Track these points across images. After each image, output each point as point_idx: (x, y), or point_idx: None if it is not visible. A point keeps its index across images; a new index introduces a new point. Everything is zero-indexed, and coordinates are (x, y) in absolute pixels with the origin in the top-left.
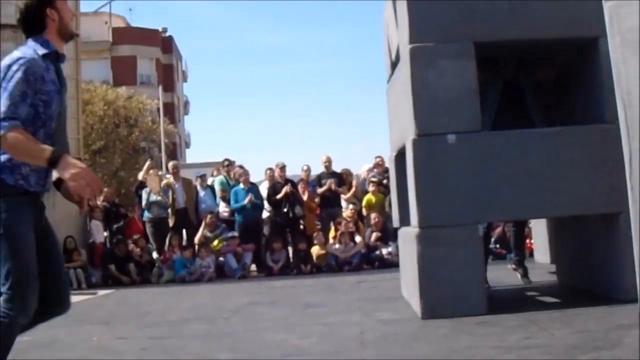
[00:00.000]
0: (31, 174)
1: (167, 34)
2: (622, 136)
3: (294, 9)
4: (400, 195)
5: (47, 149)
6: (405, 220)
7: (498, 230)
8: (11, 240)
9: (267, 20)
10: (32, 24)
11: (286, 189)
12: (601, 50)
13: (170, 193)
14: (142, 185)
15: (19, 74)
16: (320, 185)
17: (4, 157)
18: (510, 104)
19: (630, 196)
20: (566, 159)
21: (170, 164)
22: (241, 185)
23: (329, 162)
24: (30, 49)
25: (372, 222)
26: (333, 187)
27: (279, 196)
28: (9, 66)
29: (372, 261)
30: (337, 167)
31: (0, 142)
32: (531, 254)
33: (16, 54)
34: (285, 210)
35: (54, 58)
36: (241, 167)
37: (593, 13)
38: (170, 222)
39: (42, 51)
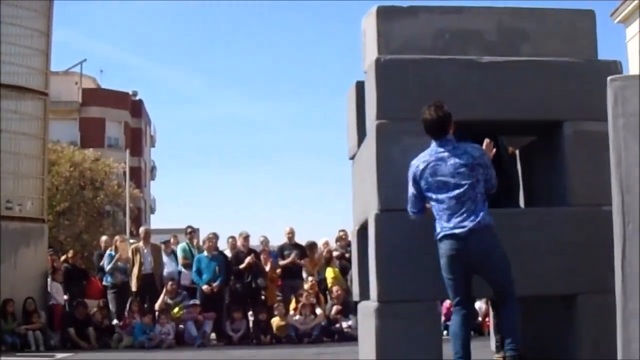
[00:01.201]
0: None
1: (137, 98)
2: (615, 220)
3: (263, 81)
4: (361, 268)
5: None
6: (365, 294)
7: None
8: None
9: (236, 91)
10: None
11: (249, 259)
12: (565, 134)
13: (138, 257)
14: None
15: None
16: (283, 256)
17: None
18: None
19: (620, 280)
20: (527, 239)
21: (142, 228)
22: (205, 253)
23: (292, 233)
24: None
25: (334, 295)
26: (296, 260)
27: (242, 266)
28: None
29: (332, 334)
30: (301, 239)
31: None
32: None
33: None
34: (248, 280)
35: None
36: (214, 234)
37: (559, 96)
38: (134, 287)
39: None
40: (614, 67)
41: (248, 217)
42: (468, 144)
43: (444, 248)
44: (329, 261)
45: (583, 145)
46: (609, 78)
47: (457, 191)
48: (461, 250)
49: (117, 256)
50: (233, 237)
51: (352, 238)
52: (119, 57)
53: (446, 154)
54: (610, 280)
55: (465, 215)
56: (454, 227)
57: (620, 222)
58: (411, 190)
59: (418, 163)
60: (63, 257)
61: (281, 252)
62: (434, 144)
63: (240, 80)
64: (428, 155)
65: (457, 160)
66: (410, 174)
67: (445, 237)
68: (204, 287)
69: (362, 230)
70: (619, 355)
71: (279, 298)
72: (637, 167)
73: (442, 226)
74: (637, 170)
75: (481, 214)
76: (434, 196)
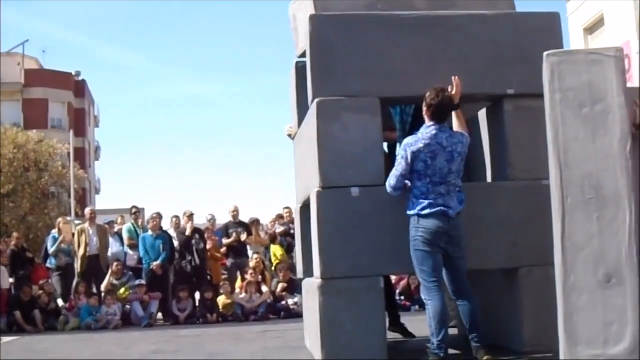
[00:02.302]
0: None
1: (80, 78)
2: (554, 195)
3: (207, 59)
4: (305, 246)
5: None
6: (309, 271)
7: (403, 282)
8: None
9: (181, 70)
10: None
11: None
12: (506, 110)
13: (83, 238)
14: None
15: None
16: (228, 235)
17: None
18: None
19: (560, 254)
20: (470, 214)
21: (87, 209)
22: (150, 233)
23: (236, 211)
24: None
25: (279, 272)
26: (242, 238)
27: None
28: None
29: (278, 311)
30: (246, 217)
31: None
32: None
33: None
34: (189, 259)
35: None
36: (158, 214)
37: (500, 72)
38: (79, 269)
39: None
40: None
41: (195, 197)
42: (458, 132)
43: (431, 224)
44: (274, 239)
45: (524, 118)
46: (545, 53)
47: (450, 177)
48: (447, 229)
49: (60, 238)
50: (177, 217)
51: (296, 216)
52: (61, 37)
53: (445, 140)
54: (552, 254)
55: (453, 199)
56: (445, 207)
57: (559, 196)
58: (402, 168)
59: (416, 143)
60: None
61: (226, 230)
62: (432, 128)
63: (184, 58)
64: (429, 139)
65: (454, 148)
66: (406, 153)
67: (434, 215)
68: (155, 264)
69: (305, 208)
70: (560, 327)
71: (224, 277)
72: (575, 142)
73: (432, 204)
74: (575, 145)
75: (462, 200)
76: (428, 179)
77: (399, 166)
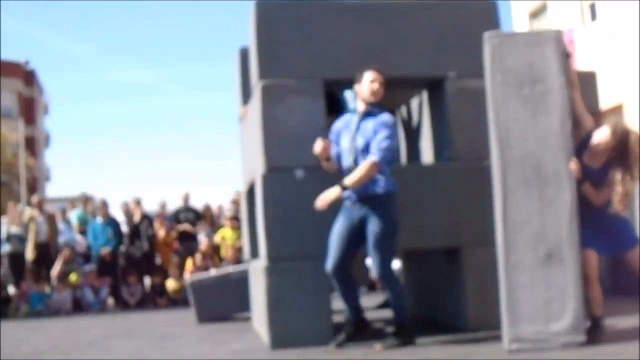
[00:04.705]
0: None
1: (30, 66)
2: (495, 175)
3: (154, 45)
4: (251, 229)
5: None
6: (255, 254)
7: None
8: None
9: (129, 57)
10: None
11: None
12: (447, 91)
13: (32, 226)
14: None
15: None
16: (178, 220)
17: None
18: None
19: (502, 233)
20: (412, 194)
21: (35, 197)
22: (99, 219)
23: (187, 197)
24: None
25: (228, 256)
26: (189, 228)
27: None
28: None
29: None
30: (200, 203)
31: None
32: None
33: None
34: (138, 244)
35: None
36: (102, 201)
37: (441, 56)
38: (30, 256)
39: None
40: (491, 8)
41: (146, 183)
42: None
43: (395, 204)
44: (223, 223)
45: (465, 100)
46: (486, 35)
47: None
48: None
49: (7, 219)
50: (126, 203)
51: (242, 199)
52: (9, 26)
53: None
54: (493, 233)
55: None
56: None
57: (500, 176)
58: (395, 144)
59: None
60: None
61: (176, 215)
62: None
63: (132, 45)
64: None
65: None
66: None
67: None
68: (104, 251)
69: (251, 191)
70: (502, 305)
71: (174, 260)
72: (515, 122)
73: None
74: (515, 126)
75: None
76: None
77: (394, 142)
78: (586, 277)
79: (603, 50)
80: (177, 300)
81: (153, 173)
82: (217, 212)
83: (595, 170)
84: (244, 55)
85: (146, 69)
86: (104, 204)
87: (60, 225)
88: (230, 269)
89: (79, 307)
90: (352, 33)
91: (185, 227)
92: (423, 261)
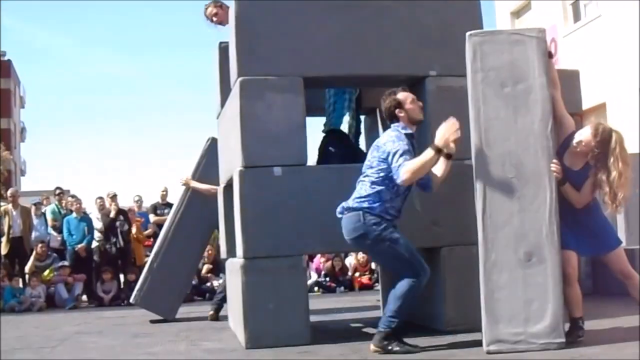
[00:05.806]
0: None
1: (6, 58)
2: (475, 174)
3: (133, 39)
4: (228, 226)
5: None
6: (232, 251)
7: (327, 264)
8: None
9: (106, 50)
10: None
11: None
12: (428, 90)
13: (6, 220)
14: None
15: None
16: (156, 214)
17: None
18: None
19: (482, 233)
20: None
21: (10, 191)
22: (74, 215)
23: (165, 192)
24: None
25: (205, 253)
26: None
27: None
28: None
29: (203, 292)
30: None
31: None
32: (361, 288)
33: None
34: (113, 240)
35: (410, 135)
36: (74, 196)
37: (422, 54)
38: (3, 251)
39: (404, 131)
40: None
41: (122, 177)
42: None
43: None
44: None
45: (446, 99)
46: (467, 33)
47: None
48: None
49: None
50: (101, 198)
51: (219, 195)
52: None
53: None
54: (474, 233)
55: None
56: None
57: (480, 175)
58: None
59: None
60: None
61: (154, 210)
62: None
63: (110, 38)
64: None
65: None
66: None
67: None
68: (79, 247)
69: (228, 187)
70: (482, 306)
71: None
72: (496, 121)
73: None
74: (496, 124)
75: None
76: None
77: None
78: (566, 278)
79: (586, 49)
80: None
81: (131, 168)
82: None
83: (576, 172)
84: (224, 51)
85: (125, 63)
86: (77, 199)
87: (35, 220)
88: None
89: (52, 303)
90: (332, 30)
91: (160, 219)
92: None
